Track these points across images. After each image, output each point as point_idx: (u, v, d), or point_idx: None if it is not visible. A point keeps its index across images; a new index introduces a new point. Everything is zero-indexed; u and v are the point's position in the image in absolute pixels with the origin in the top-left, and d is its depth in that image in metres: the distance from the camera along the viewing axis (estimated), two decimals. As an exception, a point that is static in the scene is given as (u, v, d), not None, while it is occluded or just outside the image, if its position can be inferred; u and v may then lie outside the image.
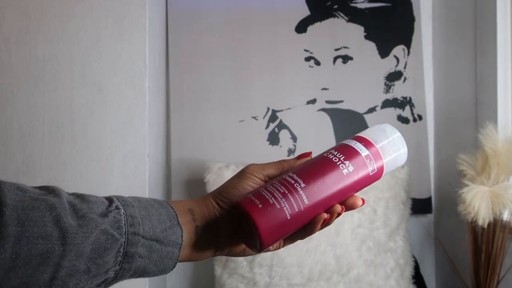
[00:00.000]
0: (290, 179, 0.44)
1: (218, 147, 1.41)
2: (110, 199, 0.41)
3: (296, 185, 0.43)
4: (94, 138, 1.11)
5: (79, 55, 1.11)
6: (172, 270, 0.44)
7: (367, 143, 0.47)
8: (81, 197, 0.40)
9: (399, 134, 0.49)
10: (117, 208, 0.40)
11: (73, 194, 0.40)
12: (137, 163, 1.11)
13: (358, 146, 0.46)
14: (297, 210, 0.43)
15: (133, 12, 1.12)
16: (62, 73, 1.11)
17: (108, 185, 1.10)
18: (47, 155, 1.10)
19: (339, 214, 0.45)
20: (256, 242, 0.43)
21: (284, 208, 0.42)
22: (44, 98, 1.11)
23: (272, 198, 0.42)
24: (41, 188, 0.38)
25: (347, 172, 0.45)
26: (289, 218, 0.42)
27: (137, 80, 1.12)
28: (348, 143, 0.47)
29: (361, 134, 0.48)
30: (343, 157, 0.45)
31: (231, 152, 1.41)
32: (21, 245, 0.33)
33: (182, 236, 0.43)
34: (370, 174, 0.46)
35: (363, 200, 0.46)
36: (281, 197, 0.42)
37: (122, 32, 1.12)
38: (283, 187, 0.43)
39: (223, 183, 0.49)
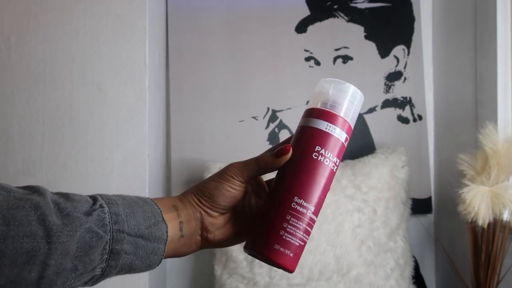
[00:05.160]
0: (301, 209, 0.45)
1: (218, 147, 1.41)
2: (94, 198, 0.42)
3: (309, 212, 0.45)
4: (94, 138, 1.11)
5: (79, 55, 1.11)
6: (158, 265, 0.45)
7: (340, 121, 0.46)
8: (65, 196, 0.40)
9: (353, 87, 0.48)
10: (101, 206, 0.41)
11: (57, 193, 0.40)
12: (137, 163, 1.11)
13: (338, 132, 0.46)
14: (311, 231, 0.46)
15: (133, 12, 1.12)
16: (62, 73, 1.11)
17: (108, 185, 1.10)
18: (47, 155, 1.10)
19: None
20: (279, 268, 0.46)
21: (305, 239, 0.45)
22: (44, 98, 1.11)
23: (297, 240, 0.44)
24: (25, 188, 0.39)
25: (336, 168, 0.47)
26: (307, 241, 0.46)
27: (137, 80, 1.12)
28: (329, 132, 0.46)
29: (329, 108, 0.46)
30: (332, 154, 0.46)
31: (231, 152, 1.41)
32: (7, 244, 0.34)
33: (167, 232, 0.44)
34: (345, 147, 0.48)
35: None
36: (302, 233, 0.45)
37: (122, 32, 1.12)
38: (300, 223, 0.45)
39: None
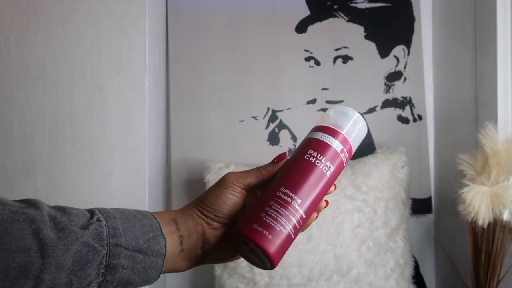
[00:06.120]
0: (286, 197, 0.45)
1: (218, 147, 1.41)
2: (91, 211, 0.41)
3: (294, 203, 0.45)
4: (94, 138, 1.11)
5: (79, 55, 1.11)
6: (156, 280, 0.44)
7: (337, 135, 0.49)
8: (62, 209, 0.40)
9: (358, 114, 0.51)
10: (98, 220, 0.40)
11: (54, 207, 0.40)
12: (137, 163, 1.11)
13: (332, 141, 0.48)
14: (298, 227, 0.46)
15: (133, 12, 1.12)
16: (62, 73, 1.11)
17: (108, 185, 1.10)
18: (47, 155, 1.10)
19: (324, 207, 0.49)
20: (264, 263, 0.45)
21: (290, 231, 0.45)
22: (44, 98, 1.11)
23: (278, 225, 0.44)
24: (22, 201, 0.38)
25: (330, 174, 0.48)
26: (293, 237, 0.45)
27: (137, 80, 1.12)
28: (323, 140, 0.49)
29: (330, 125, 0.50)
30: (324, 158, 0.48)
31: (231, 152, 1.41)
32: None
33: (165, 246, 0.43)
34: (345, 165, 0.50)
35: (335, 185, 0.50)
36: (285, 221, 0.44)
37: (122, 32, 1.12)
38: (283, 210, 0.45)
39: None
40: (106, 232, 0.39)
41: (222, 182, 0.48)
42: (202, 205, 0.47)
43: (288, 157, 0.50)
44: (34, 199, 0.39)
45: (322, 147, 0.48)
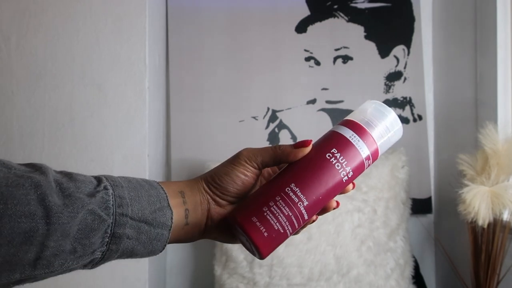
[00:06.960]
0: (294, 196, 0.43)
1: (218, 147, 1.41)
2: (99, 179, 0.40)
3: (300, 204, 0.43)
4: (94, 138, 1.11)
5: (79, 55, 1.11)
6: (161, 251, 0.43)
7: (367, 138, 0.45)
8: (69, 175, 0.39)
9: (396, 116, 0.47)
10: (105, 188, 0.39)
11: (61, 172, 0.39)
12: (137, 163, 1.11)
13: (361, 146, 0.45)
14: (297, 227, 0.44)
15: (133, 12, 1.12)
16: (62, 73, 1.11)
17: (108, 185, 1.10)
18: (47, 155, 1.10)
19: (334, 208, 0.46)
20: (253, 251, 0.44)
21: (288, 231, 0.43)
22: (44, 97, 1.11)
23: (277, 224, 0.42)
24: (27, 165, 0.37)
25: (346, 180, 0.45)
26: (289, 235, 0.44)
27: (137, 80, 1.12)
28: (352, 141, 0.45)
29: (363, 123, 0.46)
30: (346, 162, 0.44)
31: (231, 152, 1.39)
32: (3, 223, 0.32)
33: (171, 218, 0.42)
34: (365, 169, 0.46)
35: (353, 184, 0.47)
36: (285, 221, 0.43)
37: (122, 32, 1.11)
38: (287, 209, 0.43)
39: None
40: (112, 201, 0.39)
41: (235, 159, 0.46)
42: (210, 181, 0.46)
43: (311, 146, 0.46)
44: (40, 163, 0.38)
45: (348, 150, 0.45)
